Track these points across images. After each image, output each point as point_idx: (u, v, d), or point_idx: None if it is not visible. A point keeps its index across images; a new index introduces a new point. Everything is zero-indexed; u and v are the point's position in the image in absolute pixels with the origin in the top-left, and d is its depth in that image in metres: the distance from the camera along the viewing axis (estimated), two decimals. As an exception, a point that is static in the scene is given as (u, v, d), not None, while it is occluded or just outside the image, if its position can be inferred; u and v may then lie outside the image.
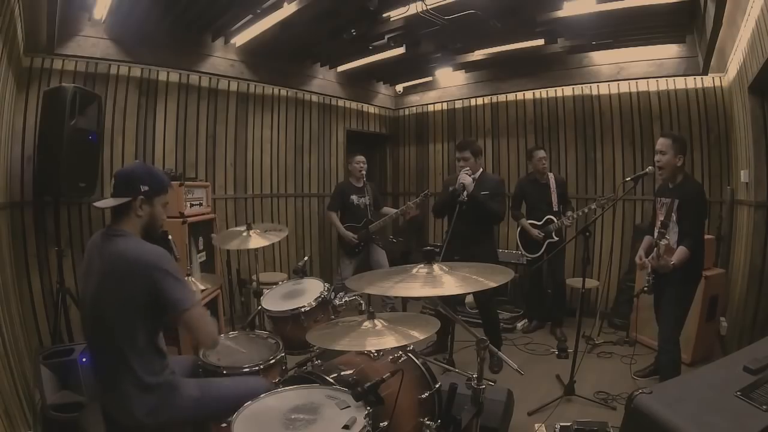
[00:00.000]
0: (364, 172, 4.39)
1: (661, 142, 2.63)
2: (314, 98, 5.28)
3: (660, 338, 2.64)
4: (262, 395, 1.51)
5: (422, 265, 1.51)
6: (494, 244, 3.44)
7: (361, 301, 2.31)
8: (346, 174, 4.66)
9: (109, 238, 1.56)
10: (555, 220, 3.93)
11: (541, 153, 4.03)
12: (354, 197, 4.33)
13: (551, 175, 4.04)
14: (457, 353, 3.24)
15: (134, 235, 1.60)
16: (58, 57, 3.29)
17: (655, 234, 2.73)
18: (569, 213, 3.91)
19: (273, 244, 4.77)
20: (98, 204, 1.64)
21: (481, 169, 3.32)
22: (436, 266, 1.50)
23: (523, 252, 4.16)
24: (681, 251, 2.44)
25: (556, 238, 3.92)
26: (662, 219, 2.64)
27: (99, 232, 1.65)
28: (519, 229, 4.17)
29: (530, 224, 4.02)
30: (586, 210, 3.79)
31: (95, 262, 1.56)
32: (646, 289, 2.74)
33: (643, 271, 2.79)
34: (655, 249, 2.45)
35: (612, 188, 4.47)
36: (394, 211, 4.39)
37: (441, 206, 3.35)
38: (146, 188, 1.61)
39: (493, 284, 1.39)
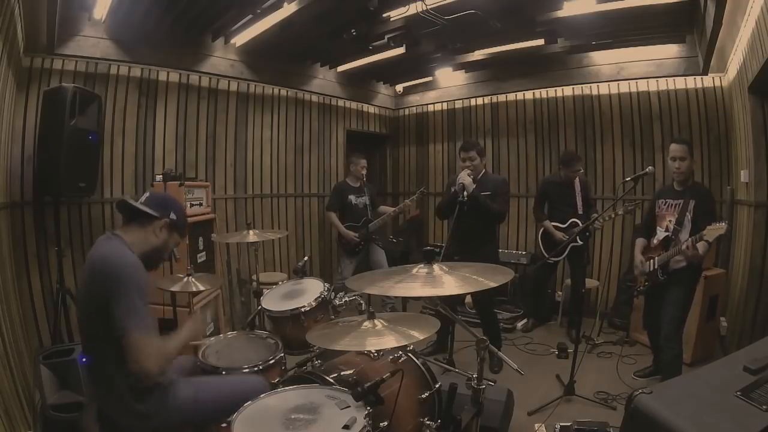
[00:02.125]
0: (364, 173, 4.41)
1: (680, 149, 2.67)
2: (314, 98, 5.28)
3: (663, 335, 2.66)
4: (261, 395, 1.51)
5: (422, 265, 1.51)
6: (496, 245, 3.44)
7: (361, 301, 2.31)
8: (346, 174, 4.67)
9: (106, 240, 1.56)
10: (580, 224, 3.77)
11: (580, 166, 3.95)
12: (352, 197, 4.34)
13: (576, 178, 3.97)
14: (457, 353, 3.24)
15: (125, 244, 1.55)
16: (58, 57, 3.29)
17: (661, 233, 2.76)
18: (594, 215, 3.70)
19: (273, 244, 4.85)
20: (128, 199, 1.64)
21: (484, 170, 3.32)
22: (436, 266, 1.50)
23: (545, 253, 4.06)
24: (703, 244, 2.49)
25: (581, 242, 3.77)
26: (676, 218, 2.69)
27: (104, 236, 1.63)
28: (541, 230, 4.10)
29: (554, 226, 3.96)
30: (613, 215, 3.65)
31: (87, 264, 1.55)
32: (643, 288, 2.78)
33: (643, 270, 2.82)
34: (692, 238, 2.50)
35: (612, 188, 4.47)
36: (392, 209, 4.42)
37: (443, 207, 3.34)
38: (174, 218, 1.67)
39: (493, 284, 1.39)
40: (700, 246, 2.48)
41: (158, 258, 1.70)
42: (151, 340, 1.42)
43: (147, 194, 1.69)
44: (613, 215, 3.67)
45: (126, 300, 1.39)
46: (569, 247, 3.86)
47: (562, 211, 3.98)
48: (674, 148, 2.69)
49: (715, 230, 2.36)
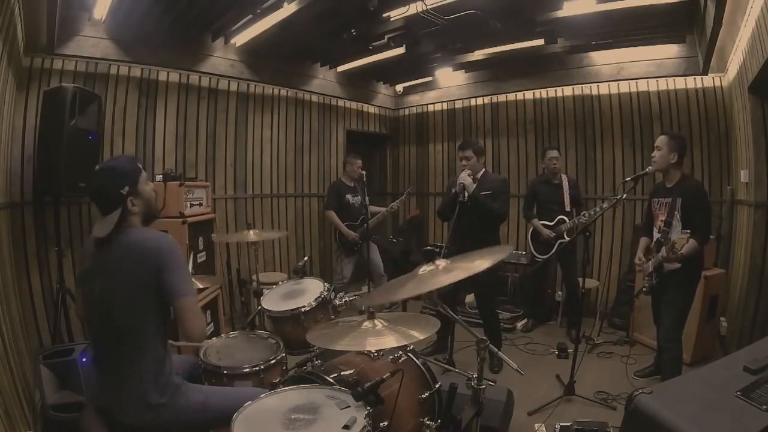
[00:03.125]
0: (363, 173, 4.43)
1: (659, 139, 2.70)
2: (314, 98, 5.28)
3: (663, 337, 2.67)
4: (261, 395, 1.51)
5: (425, 265, 1.51)
6: (498, 245, 3.43)
7: (361, 301, 2.30)
8: (342, 173, 4.69)
9: (113, 234, 1.53)
10: (567, 220, 3.92)
11: (553, 153, 4.03)
12: (349, 196, 4.38)
13: (564, 176, 4.04)
14: (457, 353, 3.24)
15: (135, 227, 1.59)
16: (58, 57, 3.29)
17: (655, 234, 2.74)
18: (583, 212, 3.85)
19: (273, 244, 4.85)
20: (99, 234, 1.55)
21: (483, 170, 3.32)
22: (439, 262, 1.50)
23: (534, 253, 4.14)
24: (690, 243, 2.46)
25: (568, 239, 3.88)
26: (665, 218, 2.65)
27: (92, 237, 1.61)
28: (531, 230, 4.16)
29: (542, 225, 4.01)
30: (598, 209, 3.68)
31: (100, 258, 1.54)
32: (645, 289, 2.76)
33: (643, 272, 2.81)
34: (667, 245, 2.48)
35: (612, 188, 4.47)
36: (384, 209, 4.52)
37: (444, 208, 3.34)
38: (127, 188, 1.55)
39: (487, 264, 1.39)
40: (687, 247, 2.45)
41: (153, 210, 1.71)
42: (197, 307, 1.56)
43: (95, 203, 1.58)
44: (598, 209, 3.66)
45: (179, 269, 1.51)
46: (557, 244, 3.91)
47: (550, 210, 4.03)
48: (657, 139, 2.72)
49: (680, 240, 2.38)
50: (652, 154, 2.70)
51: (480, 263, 1.41)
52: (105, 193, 1.55)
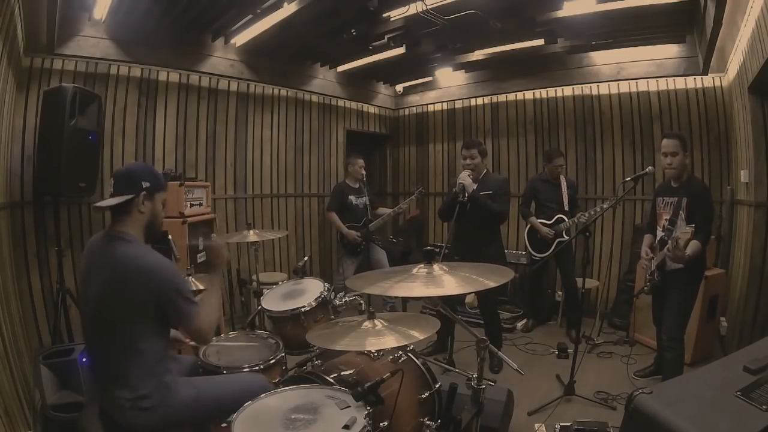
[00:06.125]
0: (363, 173, 4.42)
1: (670, 144, 2.62)
2: (314, 98, 5.28)
3: (665, 336, 2.66)
4: (262, 395, 1.51)
5: (422, 265, 1.51)
6: (500, 244, 3.43)
7: (361, 301, 2.31)
8: (346, 175, 4.69)
9: (113, 240, 1.54)
10: (566, 219, 3.92)
11: (561, 161, 4.03)
12: (352, 198, 4.36)
13: (562, 177, 4.05)
14: (457, 353, 3.24)
15: (139, 241, 1.58)
16: (58, 57, 3.29)
17: (659, 233, 2.74)
18: (581, 213, 3.84)
19: (273, 244, 4.85)
20: (101, 204, 1.60)
21: (486, 170, 3.32)
22: (436, 266, 1.50)
23: (531, 252, 4.14)
24: (694, 244, 2.44)
25: (567, 238, 3.88)
26: (669, 217, 2.65)
27: (100, 233, 1.63)
28: (528, 227, 4.16)
29: (540, 223, 4.02)
30: (598, 209, 3.67)
31: (97, 264, 1.54)
32: (646, 288, 2.76)
33: (645, 269, 2.81)
34: (670, 242, 2.47)
35: (612, 188, 4.47)
36: (390, 210, 4.47)
37: (444, 209, 3.33)
38: (147, 184, 1.60)
39: (492, 284, 1.39)
40: (691, 247, 2.42)
41: (156, 229, 1.68)
42: (206, 318, 1.57)
43: (113, 180, 1.63)
44: (599, 210, 3.63)
45: (179, 296, 1.51)
46: (555, 243, 3.91)
47: (548, 209, 4.03)
48: (665, 144, 2.65)
49: (685, 234, 2.34)
50: (668, 162, 2.63)
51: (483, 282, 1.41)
52: (129, 175, 1.62)
